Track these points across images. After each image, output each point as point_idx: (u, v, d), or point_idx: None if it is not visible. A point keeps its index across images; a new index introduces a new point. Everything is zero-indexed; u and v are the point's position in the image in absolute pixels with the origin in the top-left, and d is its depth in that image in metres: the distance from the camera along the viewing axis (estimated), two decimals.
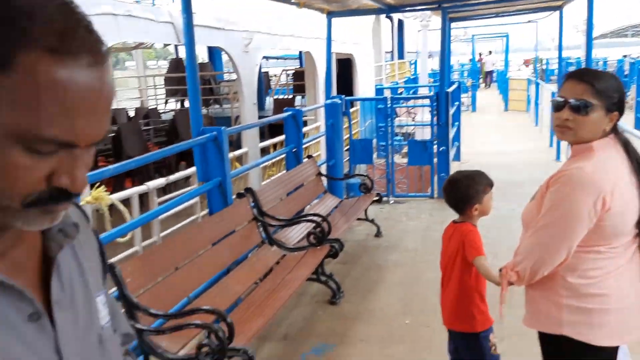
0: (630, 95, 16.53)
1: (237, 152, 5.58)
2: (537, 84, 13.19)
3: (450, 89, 8.03)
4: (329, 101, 6.01)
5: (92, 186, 3.53)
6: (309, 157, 5.69)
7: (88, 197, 3.48)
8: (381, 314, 3.83)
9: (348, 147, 7.14)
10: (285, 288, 3.48)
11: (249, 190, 4.23)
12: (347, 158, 7.12)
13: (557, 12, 8.36)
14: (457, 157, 9.44)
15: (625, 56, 24.26)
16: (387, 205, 6.86)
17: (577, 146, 1.82)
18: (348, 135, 7.35)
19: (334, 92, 9.67)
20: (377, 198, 5.66)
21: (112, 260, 3.27)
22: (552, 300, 1.83)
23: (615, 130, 1.82)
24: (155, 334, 2.57)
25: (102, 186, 3.53)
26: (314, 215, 4.24)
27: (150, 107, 14.04)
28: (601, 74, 1.83)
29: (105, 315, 0.84)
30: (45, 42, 0.59)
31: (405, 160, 7.45)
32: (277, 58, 23.54)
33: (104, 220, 3.55)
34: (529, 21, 14.88)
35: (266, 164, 6.26)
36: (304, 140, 5.74)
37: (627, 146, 1.81)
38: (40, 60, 0.59)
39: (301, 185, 5.36)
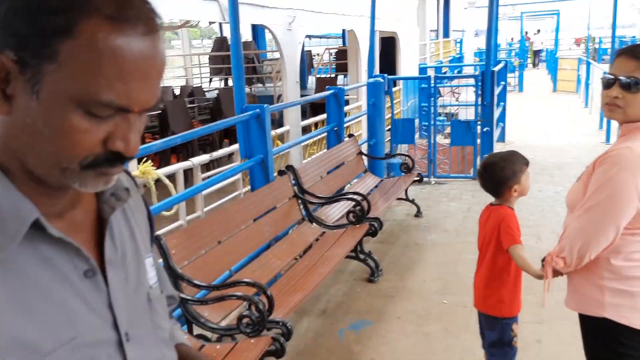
0: None
1: (279, 130, 5.63)
2: (589, 64, 12.69)
3: (496, 68, 7.83)
4: (371, 80, 5.97)
5: (139, 161, 3.66)
6: (350, 136, 5.69)
7: (135, 172, 3.61)
8: (419, 293, 3.84)
9: (390, 127, 7.10)
10: (324, 265, 3.53)
11: (290, 167, 4.28)
12: (389, 138, 7.09)
13: None
14: (502, 138, 9.23)
15: None
16: (428, 186, 6.80)
17: (627, 125, 1.77)
18: (390, 115, 7.30)
19: (377, 71, 9.60)
20: (417, 178, 5.61)
21: (158, 232, 3.40)
22: (595, 283, 1.80)
23: None
24: (198, 304, 2.66)
25: (149, 161, 3.66)
26: (354, 193, 4.26)
27: (195, 86, 14.30)
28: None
29: (154, 276, 0.89)
30: (105, 10, 0.63)
31: (448, 140, 7.35)
32: (320, 37, 23.44)
33: (151, 194, 3.68)
34: None
35: (307, 142, 6.29)
36: (346, 119, 5.73)
37: None
38: (100, 28, 0.63)
39: (342, 164, 5.37)
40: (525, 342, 3.15)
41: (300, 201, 4.18)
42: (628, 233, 1.74)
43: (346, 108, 7.52)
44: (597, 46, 29.23)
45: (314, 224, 4.22)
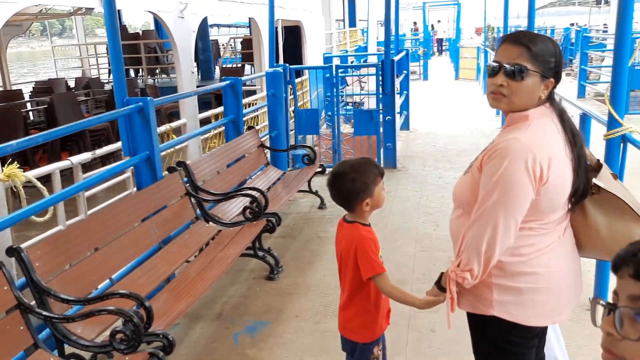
0: (575, 64, 16.91)
1: (174, 124, 5.33)
2: (486, 52, 13.27)
3: (397, 58, 7.93)
4: (270, 70, 5.80)
5: (3, 163, 3.27)
6: (250, 128, 5.50)
7: (0, 175, 3.22)
8: (318, 288, 3.76)
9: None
10: (216, 266, 3.35)
11: (181, 163, 4.04)
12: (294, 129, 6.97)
13: None
14: (406, 125, 9.42)
15: (572, 24, 24.73)
16: None
17: (512, 115, 1.70)
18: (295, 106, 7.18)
19: (281, 60, 9.44)
20: (320, 169, 5.54)
21: (27, 243, 3.05)
22: (484, 281, 1.72)
23: (551, 99, 1.71)
24: (65, 322, 2.39)
25: (15, 163, 3.27)
26: (251, 189, 4.09)
27: (93, 77, 13.42)
28: (538, 36, 1.70)
29: None
30: None
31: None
32: (229, 26, 22.88)
33: (20, 200, 3.30)
34: None
35: (206, 135, 6.03)
36: (245, 111, 5.53)
37: (562, 116, 1.72)
38: None
39: (242, 157, 5.19)
40: (420, 332, 3.15)
41: (193, 199, 3.95)
42: None
43: (250, 99, 7.33)
44: (495, 35, 30.93)
45: (210, 222, 4.02)
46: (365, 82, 11.09)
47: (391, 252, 4.32)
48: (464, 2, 26.51)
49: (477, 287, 1.75)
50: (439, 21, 29.38)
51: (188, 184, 4.01)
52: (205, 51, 14.27)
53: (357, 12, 16.82)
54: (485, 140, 8.52)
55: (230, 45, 14.63)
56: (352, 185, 2.03)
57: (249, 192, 3.99)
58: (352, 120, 9.57)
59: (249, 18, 7.97)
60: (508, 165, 1.59)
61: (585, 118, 3.87)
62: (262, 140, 5.62)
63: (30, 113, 8.95)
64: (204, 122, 6.07)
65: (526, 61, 1.63)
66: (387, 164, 6.96)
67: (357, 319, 2.10)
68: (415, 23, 28.21)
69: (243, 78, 5.47)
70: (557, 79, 1.69)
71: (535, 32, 1.85)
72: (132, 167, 3.84)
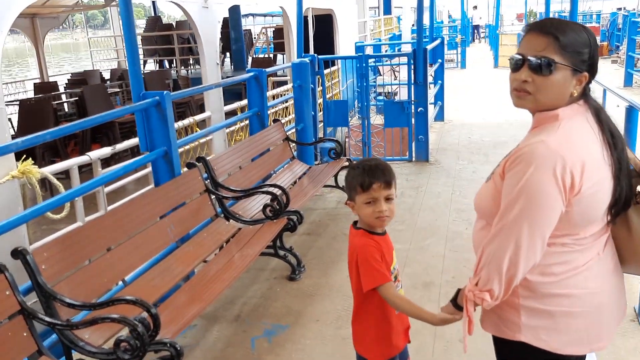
0: (622, 50, 16.08)
1: (199, 117, 5.23)
2: None
3: (431, 46, 7.63)
4: (296, 61, 5.62)
5: (17, 158, 3.21)
6: (275, 120, 5.35)
7: (14, 172, 3.17)
8: (341, 290, 3.59)
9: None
10: (233, 267, 3.22)
11: (201, 159, 3.93)
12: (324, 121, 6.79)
13: None
14: (441, 116, 9.11)
15: (619, 9, 23.57)
16: None
17: (540, 114, 1.49)
18: (325, 97, 7.00)
19: (311, 50, 9.24)
20: (346, 164, 5.34)
21: (36, 244, 3.00)
22: (510, 302, 1.52)
23: (585, 96, 1.49)
24: (69, 329, 2.31)
25: (29, 159, 3.22)
26: (272, 186, 3.94)
27: (126, 68, 13.55)
28: (568, 24, 1.47)
29: None
30: None
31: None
32: (264, 15, 22.77)
33: (36, 197, 3.25)
34: None
35: (232, 128, 5.92)
36: (271, 103, 5.38)
37: (599, 115, 1.49)
38: None
39: (267, 150, 5.05)
40: (448, 342, 2.96)
41: (213, 196, 3.84)
42: None
43: (277, 90, 7.18)
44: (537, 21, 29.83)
45: (230, 220, 3.90)
46: (398, 72, 10.79)
47: (419, 252, 4.12)
48: None
49: (502, 308, 1.55)
50: (475, 7, 28.56)
51: (208, 180, 3.90)
52: (238, 41, 14.18)
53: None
54: (524, 131, 8.02)
55: (263, 34, 14.49)
56: (346, 182, 1.89)
57: (270, 189, 3.85)
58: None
59: (280, 7, 7.78)
60: (533, 173, 1.37)
61: (632, 111, 3.56)
62: (288, 133, 5.48)
63: (65, 105, 9.07)
64: (232, 114, 5.96)
65: (554, 53, 1.42)
66: (419, 157, 6.71)
67: (368, 334, 1.91)
68: (448, 11, 27.50)
69: (269, 69, 5.31)
70: (592, 73, 1.47)
71: (568, 19, 1.61)
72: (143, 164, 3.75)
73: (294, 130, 5.83)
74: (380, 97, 9.65)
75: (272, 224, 3.75)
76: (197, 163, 3.81)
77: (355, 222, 1.94)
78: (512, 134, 7.92)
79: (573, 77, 1.44)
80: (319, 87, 6.74)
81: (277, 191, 3.82)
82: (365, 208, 1.82)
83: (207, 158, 4.02)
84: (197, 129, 5.12)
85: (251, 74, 4.97)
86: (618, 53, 17.48)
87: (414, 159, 6.74)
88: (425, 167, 6.51)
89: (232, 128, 5.92)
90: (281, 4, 7.57)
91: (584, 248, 1.50)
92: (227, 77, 12.80)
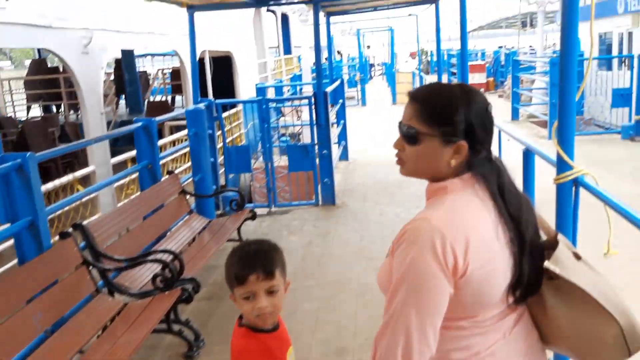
0: (507, 85, 17.29)
1: (79, 173, 4.69)
2: (421, 77, 13.25)
3: (331, 87, 7.59)
4: (191, 107, 5.26)
5: None
6: (169, 172, 4.93)
7: None
8: None
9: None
10: (116, 356, 2.75)
11: (77, 226, 3.42)
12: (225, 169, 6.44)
13: (434, 6, 8.19)
14: (345, 156, 9.07)
15: (500, 47, 25.55)
16: (268, 218, 6.26)
17: (431, 185, 1.36)
18: (235, 142, 6.66)
19: (209, 94, 8.92)
20: (250, 215, 5.02)
21: None
22: None
23: (472, 166, 1.33)
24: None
25: None
26: (162, 252, 3.52)
27: (7, 115, 12.40)
28: (436, 90, 1.37)
29: None
30: None
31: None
32: (163, 55, 22.11)
33: None
34: (410, 15, 14.93)
35: (122, 182, 5.40)
36: (163, 154, 4.96)
37: (490, 185, 1.31)
38: None
39: (161, 206, 4.61)
40: None
41: (93, 268, 3.34)
42: (441, 326, 1.28)
43: (176, 136, 6.74)
44: (429, 59, 31.68)
45: (115, 294, 3.41)
46: (301, 112, 10.71)
47: (331, 311, 3.85)
48: (397, 26, 26.97)
49: None
50: (368, 47, 29.89)
51: (87, 250, 3.40)
52: (133, 83, 13.54)
53: (293, 39, 16.55)
54: None
55: (160, 75, 13.94)
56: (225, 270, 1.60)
57: (159, 256, 3.42)
58: None
59: (173, 50, 7.42)
60: (415, 253, 1.23)
61: (528, 155, 3.57)
62: (187, 183, 5.07)
63: None
64: (124, 164, 5.45)
65: (418, 122, 1.32)
66: (326, 201, 6.53)
67: None
68: (339, 52, 28.51)
69: (160, 118, 4.90)
70: (474, 140, 1.30)
71: (445, 83, 1.43)
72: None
73: (190, 180, 5.43)
74: (285, 138, 9.49)
75: (164, 296, 3.32)
76: (72, 232, 3.30)
77: (240, 317, 1.62)
78: None
79: (445, 146, 1.30)
80: (218, 131, 6.41)
81: (168, 257, 3.40)
82: (244, 304, 1.54)
83: (87, 223, 3.53)
84: (80, 187, 4.58)
85: (138, 124, 4.54)
86: (503, 88, 18.79)
87: (320, 202, 6.55)
88: (332, 211, 6.33)
89: (122, 181, 5.40)
90: (174, 47, 7.22)
91: (486, 331, 1.32)
92: (122, 121, 12.16)
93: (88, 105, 4.87)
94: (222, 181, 6.53)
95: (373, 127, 13.07)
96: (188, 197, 5.02)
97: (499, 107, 14.82)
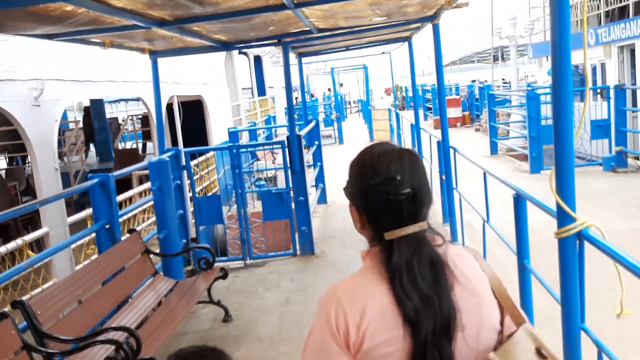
0: (484, 119, 17.32)
1: (29, 237, 4.25)
2: (397, 114, 13.13)
3: (305, 130, 7.32)
4: (153, 159, 4.89)
5: None
6: (131, 231, 4.52)
7: None
8: None
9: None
10: None
11: (17, 304, 2.99)
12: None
13: (407, 43, 8.07)
14: (323, 199, 8.74)
15: (473, 81, 25.86)
16: (243, 271, 5.84)
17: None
18: (208, 191, 6.29)
19: (179, 140, 8.56)
20: (221, 274, 4.61)
21: None
22: None
23: (378, 238, 1.21)
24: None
25: None
26: (115, 329, 3.09)
27: None
28: (363, 153, 1.29)
29: None
30: None
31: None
32: (137, 99, 21.83)
33: None
34: (383, 53, 14.94)
35: (81, 242, 4.95)
36: (123, 211, 4.56)
37: (388, 264, 1.16)
38: None
39: (121, 269, 4.19)
40: None
41: (36, 354, 2.90)
42: None
43: (143, 187, 6.33)
44: (404, 95, 31.94)
45: None
46: (277, 154, 10.41)
47: None
48: (371, 63, 27.20)
49: None
50: (341, 85, 30.07)
51: (28, 331, 2.96)
52: (103, 131, 13.15)
53: (266, 80, 16.42)
54: None
55: (130, 121, 13.58)
56: None
57: (111, 335, 2.99)
58: None
59: (138, 97, 7.10)
60: (315, 321, 1.19)
61: (519, 201, 3.28)
62: (148, 243, 4.65)
63: None
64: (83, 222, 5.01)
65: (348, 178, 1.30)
66: (304, 250, 6.15)
67: None
68: (311, 94, 28.66)
69: (118, 172, 4.52)
70: (368, 213, 1.21)
71: (385, 147, 1.26)
72: None
73: (154, 238, 5.02)
74: (260, 182, 9.14)
75: None
76: (8, 312, 2.87)
77: None
78: None
79: (355, 211, 1.26)
80: (187, 180, 6.05)
81: (122, 335, 2.98)
82: None
83: (29, 298, 3.10)
84: (30, 252, 4.14)
85: (94, 180, 4.16)
86: (479, 122, 18.83)
87: (298, 252, 6.16)
88: (311, 261, 5.95)
89: (82, 241, 4.96)
90: (139, 94, 6.90)
91: None
92: (91, 170, 11.70)
93: (40, 160, 4.48)
94: (193, 233, 6.13)
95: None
96: (152, 256, 4.61)
97: (477, 141, 14.76)
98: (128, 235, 4.49)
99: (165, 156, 5.14)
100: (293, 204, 6.14)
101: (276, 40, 5.75)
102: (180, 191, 5.93)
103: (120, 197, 5.21)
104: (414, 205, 1.16)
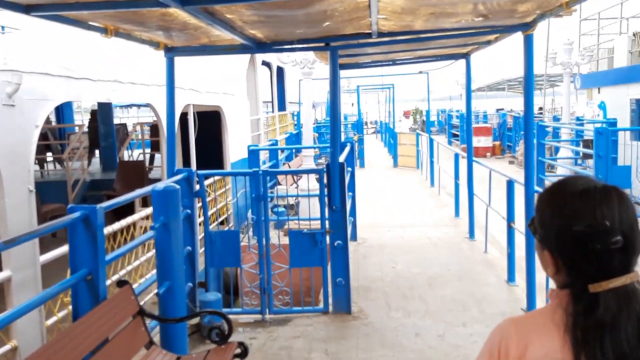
0: (519, 151, 16.09)
1: None
2: (432, 140, 11.92)
3: (343, 156, 6.11)
4: (159, 186, 3.68)
5: None
6: (122, 284, 3.30)
7: None
8: None
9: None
10: None
11: None
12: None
13: (464, 60, 6.93)
14: (354, 235, 7.52)
15: (499, 109, 24.67)
16: (262, 333, 4.60)
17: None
18: (216, 223, 5.08)
19: (192, 158, 7.38)
20: (240, 351, 3.36)
21: None
22: None
23: (567, 284, 1.11)
24: None
25: None
26: None
27: None
28: (553, 190, 1.16)
29: None
30: None
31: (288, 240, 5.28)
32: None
33: None
34: (420, 72, 13.82)
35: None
36: (110, 256, 3.34)
37: (572, 315, 1.06)
38: None
39: (105, 341, 2.98)
40: None
41: None
42: None
43: (145, 212, 5.12)
44: (424, 118, 30.84)
45: None
46: (300, 177, 9.22)
47: None
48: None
49: None
50: (352, 104, 28.97)
51: None
52: (108, 137, 12.03)
53: (287, 94, 15.33)
54: (451, 254, 6.69)
55: (138, 129, 12.46)
56: None
57: None
58: (285, 226, 7.61)
59: (148, 104, 5.95)
60: (484, 345, 1.19)
61: None
62: (143, 303, 3.44)
63: None
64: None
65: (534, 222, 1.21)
66: (338, 308, 4.91)
67: None
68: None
69: (107, 204, 3.31)
70: (566, 260, 1.10)
71: (580, 181, 1.10)
72: None
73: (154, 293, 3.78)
74: (281, 209, 7.93)
75: None
76: None
77: None
78: (443, 261, 6.46)
79: (542, 251, 1.16)
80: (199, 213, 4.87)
81: None
82: None
83: None
84: None
85: (75, 215, 2.96)
86: (511, 153, 17.59)
87: (330, 310, 4.92)
88: (347, 324, 4.70)
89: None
90: (148, 99, 5.75)
91: None
92: (92, 180, 10.54)
93: (7, 177, 3.29)
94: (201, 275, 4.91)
95: (377, 193, 11.58)
96: (149, 320, 3.38)
97: (514, 175, 13.51)
98: (118, 288, 3.29)
99: (173, 181, 3.95)
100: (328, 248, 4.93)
101: (323, 44, 4.60)
102: (190, 223, 4.74)
103: (110, 229, 4.00)
104: (625, 254, 1.03)
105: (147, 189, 3.88)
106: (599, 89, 12.58)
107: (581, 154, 11.27)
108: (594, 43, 13.16)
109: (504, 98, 28.45)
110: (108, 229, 3.99)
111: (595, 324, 1.02)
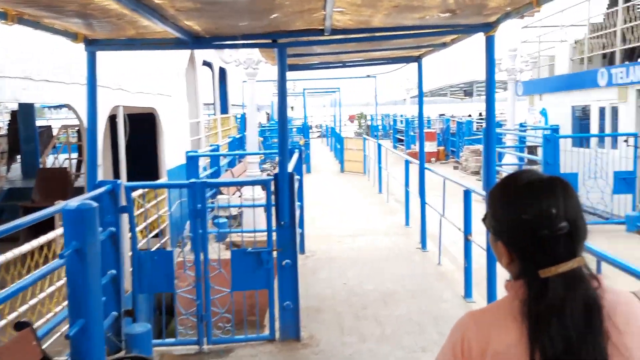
0: (463, 156, 16.16)
1: None
2: (380, 145, 11.63)
3: (291, 165, 5.61)
4: (72, 204, 3.05)
5: None
6: (21, 326, 2.67)
7: None
8: None
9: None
10: None
11: None
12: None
13: (417, 64, 6.61)
14: (302, 248, 7.02)
15: (441, 115, 24.93)
16: None
17: None
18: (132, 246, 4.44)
19: (122, 166, 6.68)
20: None
21: None
22: None
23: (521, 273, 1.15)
24: None
25: None
26: None
27: None
28: (502, 184, 1.24)
29: None
30: None
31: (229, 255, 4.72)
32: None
33: None
34: (368, 76, 13.52)
35: None
36: (5, 292, 2.69)
37: (526, 304, 1.10)
38: None
39: None
40: None
41: None
42: None
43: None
44: (369, 123, 30.83)
45: None
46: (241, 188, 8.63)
47: None
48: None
49: None
50: (292, 108, 28.55)
51: None
52: (30, 141, 10.99)
53: (230, 96, 14.66)
54: (410, 269, 6.29)
55: (63, 132, 11.49)
56: None
57: None
58: (227, 240, 7.04)
59: (67, 104, 5.25)
60: (445, 344, 1.22)
61: None
62: (50, 343, 2.80)
63: None
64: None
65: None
66: (285, 334, 4.41)
67: None
68: (292, 107, 27.19)
69: (2, 228, 2.67)
70: (518, 250, 1.16)
71: (529, 173, 1.18)
72: None
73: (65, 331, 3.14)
74: (222, 220, 7.34)
75: None
76: None
77: None
78: (396, 275, 6.08)
79: (495, 242, 1.21)
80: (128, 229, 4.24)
81: None
82: None
83: None
84: None
85: None
86: (454, 158, 17.67)
87: (277, 336, 4.41)
88: (296, 354, 4.21)
89: None
90: (68, 99, 5.04)
91: None
92: (10, 189, 9.55)
93: None
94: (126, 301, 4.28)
95: (325, 200, 11.16)
96: None
97: (461, 180, 13.46)
98: (15, 332, 2.65)
99: (92, 196, 3.32)
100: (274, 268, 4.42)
101: (270, 41, 4.09)
102: (114, 243, 4.11)
103: (18, 251, 3.34)
104: (571, 240, 1.09)
105: (58, 207, 3.23)
106: (540, 95, 12.72)
107: (526, 160, 11.30)
108: (535, 50, 13.34)
109: (445, 104, 28.83)
110: (15, 252, 3.34)
111: (545, 309, 1.06)
